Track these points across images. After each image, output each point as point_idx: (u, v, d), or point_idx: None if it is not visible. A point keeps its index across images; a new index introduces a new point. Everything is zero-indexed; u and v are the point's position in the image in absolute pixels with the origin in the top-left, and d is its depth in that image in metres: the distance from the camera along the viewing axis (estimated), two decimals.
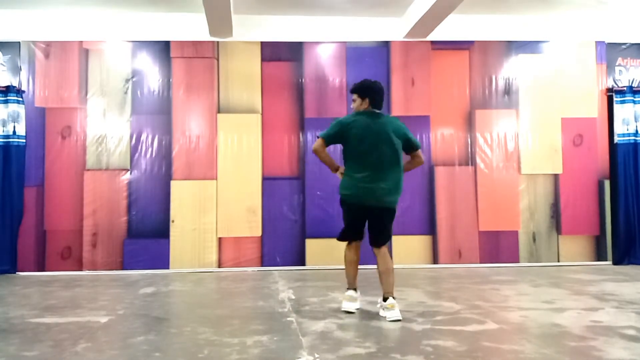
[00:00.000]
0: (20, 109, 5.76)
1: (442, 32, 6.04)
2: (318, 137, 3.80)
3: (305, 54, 6.14)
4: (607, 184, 6.22)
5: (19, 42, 5.87)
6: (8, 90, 5.71)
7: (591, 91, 6.27)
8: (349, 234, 3.81)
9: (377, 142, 3.66)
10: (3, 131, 5.70)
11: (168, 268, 5.78)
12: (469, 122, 6.19)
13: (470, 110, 6.21)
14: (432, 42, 6.22)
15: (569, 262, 6.08)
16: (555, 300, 4.12)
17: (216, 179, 5.94)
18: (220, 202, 5.91)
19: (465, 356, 2.72)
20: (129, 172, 5.88)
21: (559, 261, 6.11)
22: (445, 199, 6.10)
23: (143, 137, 5.92)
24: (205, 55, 6.04)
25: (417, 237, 6.04)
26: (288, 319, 3.56)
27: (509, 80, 6.25)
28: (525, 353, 2.78)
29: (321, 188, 5.93)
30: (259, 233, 5.92)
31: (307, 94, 6.11)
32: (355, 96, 3.82)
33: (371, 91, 3.79)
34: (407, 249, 5.93)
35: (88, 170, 5.85)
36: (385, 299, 3.56)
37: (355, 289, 3.81)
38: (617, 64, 6.38)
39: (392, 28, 6.22)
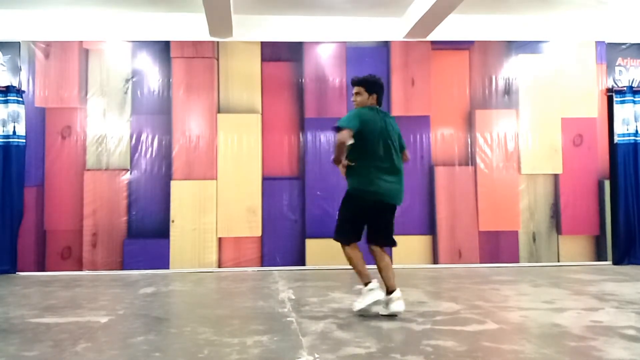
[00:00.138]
0: (20, 109, 5.76)
1: (442, 32, 6.04)
2: (339, 128, 3.56)
3: (305, 54, 6.14)
4: (607, 184, 6.22)
5: (19, 42, 5.87)
6: (8, 90, 5.71)
7: (591, 91, 6.27)
8: (351, 234, 3.69)
9: (388, 139, 3.67)
10: (3, 131, 5.71)
11: (168, 268, 5.78)
12: (469, 122, 6.19)
13: (470, 110, 6.21)
14: (432, 42, 6.22)
15: (569, 262, 6.07)
16: (555, 300, 4.12)
17: (216, 179, 5.94)
18: (220, 202, 5.91)
19: (465, 356, 2.72)
20: (129, 172, 5.88)
21: (559, 261, 6.11)
22: (445, 199, 6.10)
23: (143, 137, 5.92)
24: (205, 55, 6.04)
25: (417, 237, 6.04)
26: (288, 319, 3.56)
27: (509, 80, 6.25)
28: (525, 353, 2.78)
29: (321, 188, 5.93)
30: (259, 233, 5.92)
31: (307, 94, 6.11)
32: (360, 89, 3.74)
33: (379, 87, 3.78)
34: (407, 249, 5.92)
35: (88, 170, 5.85)
36: (391, 292, 3.56)
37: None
38: (617, 64, 6.38)
39: (392, 28, 6.22)
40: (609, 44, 6.34)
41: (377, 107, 3.78)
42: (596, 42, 6.31)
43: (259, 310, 3.89)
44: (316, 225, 5.91)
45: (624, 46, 6.38)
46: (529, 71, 6.26)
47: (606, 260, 6.13)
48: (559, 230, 6.15)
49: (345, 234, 3.71)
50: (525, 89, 6.25)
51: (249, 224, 5.92)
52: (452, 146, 6.16)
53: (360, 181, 3.65)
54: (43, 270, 5.69)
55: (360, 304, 3.58)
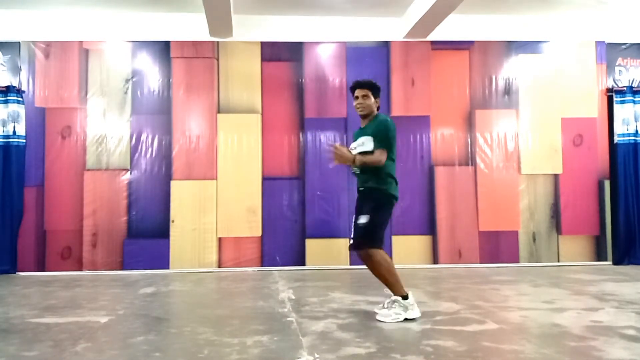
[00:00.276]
0: (20, 109, 5.76)
1: (442, 32, 6.04)
2: (382, 149, 3.50)
3: (305, 54, 6.14)
4: (607, 184, 6.22)
5: (19, 42, 5.87)
6: (8, 90, 5.71)
7: (591, 91, 6.27)
8: (382, 237, 3.57)
9: None
10: (3, 131, 5.71)
11: (168, 268, 5.78)
12: (469, 122, 6.19)
13: (470, 110, 6.21)
14: (432, 42, 6.22)
15: (569, 262, 6.08)
16: (555, 300, 4.12)
17: (216, 179, 5.94)
18: (220, 202, 5.92)
19: (465, 356, 2.72)
20: (129, 172, 5.88)
21: (559, 261, 6.11)
22: (445, 199, 6.10)
23: (143, 137, 5.92)
24: (205, 55, 6.04)
25: (417, 237, 6.04)
26: (288, 319, 3.56)
27: (509, 80, 6.25)
28: (525, 353, 2.78)
29: (321, 188, 5.93)
30: (259, 233, 5.92)
31: (307, 94, 6.11)
32: (368, 92, 3.65)
33: (380, 92, 3.76)
34: (407, 249, 5.93)
35: (88, 170, 5.85)
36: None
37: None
38: (617, 64, 6.38)
39: (392, 28, 6.22)
40: (609, 44, 6.34)
41: None
42: (596, 42, 6.31)
43: (259, 310, 3.89)
44: (316, 225, 5.91)
45: (624, 46, 6.38)
46: (529, 71, 6.27)
47: (606, 260, 6.13)
48: (559, 230, 6.15)
49: (380, 240, 3.55)
50: (525, 89, 6.25)
51: (249, 224, 5.92)
52: (452, 146, 6.16)
53: (394, 188, 3.61)
54: (43, 270, 5.70)
55: (398, 316, 3.42)
